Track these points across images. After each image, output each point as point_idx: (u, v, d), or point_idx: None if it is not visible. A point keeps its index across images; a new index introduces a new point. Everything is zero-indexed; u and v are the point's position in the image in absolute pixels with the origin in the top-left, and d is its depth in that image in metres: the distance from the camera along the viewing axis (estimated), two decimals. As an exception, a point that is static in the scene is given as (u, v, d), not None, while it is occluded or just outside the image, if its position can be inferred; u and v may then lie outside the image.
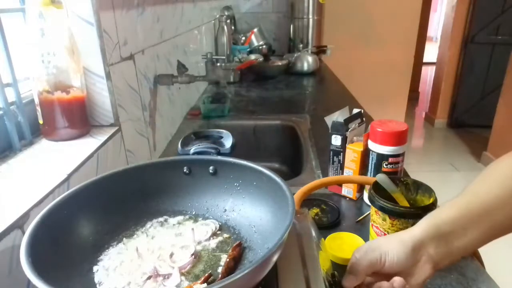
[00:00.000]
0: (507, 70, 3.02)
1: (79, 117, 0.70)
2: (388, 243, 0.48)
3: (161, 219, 0.54)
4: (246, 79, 1.96)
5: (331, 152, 0.82)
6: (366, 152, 0.76)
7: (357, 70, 3.05)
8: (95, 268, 0.45)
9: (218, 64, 1.44)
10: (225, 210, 0.56)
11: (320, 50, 2.31)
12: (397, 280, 0.45)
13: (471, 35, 3.75)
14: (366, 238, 0.65)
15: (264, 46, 2.32)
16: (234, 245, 0.48)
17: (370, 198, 0.60)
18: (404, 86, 3.24)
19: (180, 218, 0.55)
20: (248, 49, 2.23)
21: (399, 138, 0.71)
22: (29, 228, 0.40)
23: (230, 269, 0.44)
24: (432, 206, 0.57)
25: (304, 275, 0.43)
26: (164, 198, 0.56)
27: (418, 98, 5.20)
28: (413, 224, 0.57)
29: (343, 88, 1.85)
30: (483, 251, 0.66)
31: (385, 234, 0.59)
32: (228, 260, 0.45)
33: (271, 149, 1.34)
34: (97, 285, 0.43)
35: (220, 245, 0.50)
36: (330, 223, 0.73)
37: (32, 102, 0.67)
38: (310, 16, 2.38)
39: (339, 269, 0.58)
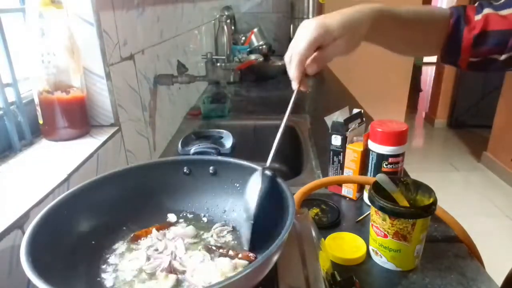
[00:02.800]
0: (507, 70, 3.01)
1: (79, 117, 0.70)
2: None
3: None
4: (246, 79, 1.96)
5: (331, 152, 0.82)
6: (366, 152, 0.76)
7: (357, 70, 3.05)
8: (95, 267, 0.45)
9: (218, 64, 1.44)
10: (225, 211, 0.56)
11: (320, 50, 2.31)
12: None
13: (471, 35, 3.75)
14: (366, 238, 0.65)
15: (264, 46, 2.32)
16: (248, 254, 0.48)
17: (370, 198, 0.60)
18: (404, 86, 3.24)
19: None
20: (248, 49, 2.22)
21: (399, 138, 0.71)
22: (29, 228, 0.40)
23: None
24: (432, 206, 0.57)
25: (304, 275, 0.43)
26: (164, 198, 0.56)
27: (418, 98, 5.20)
28: (413, 224, 0.57)
29: (343, 88, 1.85)
30: (483, 251, 0.66)
31: (385, 235, 0.59)
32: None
33: (271, 149, 1.34)
34: (98, 284, 0.43)
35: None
36: (330, 223, 0.73)
37: (32, 102, 0.67)
38: (310, 16, 2.38)
39: (339, 269, 0.58)
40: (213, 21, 1.97)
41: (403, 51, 0.71)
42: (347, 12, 0.56)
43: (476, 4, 0.65)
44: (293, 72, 0.54)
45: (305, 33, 0.53)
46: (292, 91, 0.55)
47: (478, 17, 0.62)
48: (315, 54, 0.54)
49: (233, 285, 0.33)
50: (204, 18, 1.74)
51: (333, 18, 0.54)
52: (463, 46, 0.63)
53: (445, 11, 0.65)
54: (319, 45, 0.54)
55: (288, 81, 0.57)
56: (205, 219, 0.55)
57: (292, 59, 0.54)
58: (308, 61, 0.54)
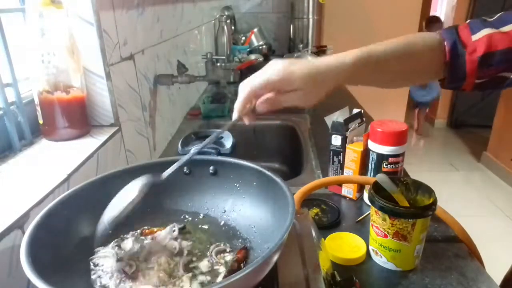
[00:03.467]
0: (507, 70, 3.01)
1: (79, 117, 0.70)
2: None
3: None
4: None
5: (331, 152, 0.82)
6: (366, 152, 0.76)
7: (357, 70, 3.05)
8: (94, 267, 0.45)
9: (218, 64, 1.44)
10: (225, 211, 0.56)
11: (320, 50, 2.31)
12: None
13: (471, 35, 3.75)
14: (366, 238, 0.65)
15: (264, 46, 2.32)
16: (240, 248, 0.48)
17: (370, 198, 0.60)
18: (404, 86, 3.24)
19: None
20: (248, 49, 2.22)
21: (399, 138, 0.71)
22: (29, 228, 0.40)
23: (234, 271, 0.44)
24: (432, 206, 0.57)
25: (304, 275, 0.43)
26: (164, 198, 0.56)
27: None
28: (413, 224, 0.57)
29: (343, 88, 1.84)
30: (483, 251, 0.66)
31: (385, 235, 0.59)
32: (232, 263, 0.45)
33: (271, 149, 1.34)
34: (98, 284, 0.43)
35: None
36: (330, 223, 0.73)
37: (32, 102, 0.67)
38: (310, 16, 2.38)
39: (339, 269, 0.58)
40: (213, 21, 1.97)
41: (399, 85, 0.67)
42: (319, 65, 0.53)
43: (468, 23, 0.60)
44: (237, 103, 0.53)
45: (268, 72, 0.52)
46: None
47: (476, 37, 0.58)
48: (269, 94, 0.53)
49: (233, 285, 0.33)
50: (204, 18, 1.74)
51: (301, 68, 0.52)
52: (467, 70, 0.59)
53: (434, 37, 0.60)
54: (277, 89, 0.53)
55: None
56: (204, 220, 0.55)
57: (242, 90, 0.53)
58: (262, 98, 0.53)
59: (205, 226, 0.54)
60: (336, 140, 0.81)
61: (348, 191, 0.82)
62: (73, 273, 0.43)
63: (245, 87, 0.53)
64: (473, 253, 0.64)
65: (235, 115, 0.53)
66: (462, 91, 0.64)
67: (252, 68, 1.86)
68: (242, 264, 0.45)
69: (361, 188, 0.82)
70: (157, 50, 1.05)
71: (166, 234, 0.50)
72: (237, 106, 0.53)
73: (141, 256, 0.46)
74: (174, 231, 0.51)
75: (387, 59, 0.58)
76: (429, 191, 0.60)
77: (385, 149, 0.71)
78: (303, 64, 0.53)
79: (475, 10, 3.65)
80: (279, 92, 0.53)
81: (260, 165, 0.53)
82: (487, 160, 3.30)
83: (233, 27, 2.31)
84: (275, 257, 0.39)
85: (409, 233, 0.58)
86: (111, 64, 0.74)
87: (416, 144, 3.98)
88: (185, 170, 0.57)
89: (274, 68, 0.52)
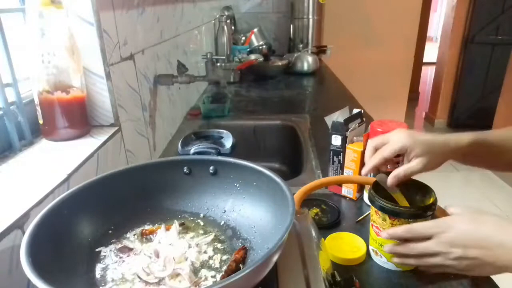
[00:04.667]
0: (507, 70, 3.02)
1: (79, 117, 0.70)
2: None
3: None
4: (246, 79, 1.96)
5: (331, 152, 0.82)
6: (366, 152, 0.76)
7: (357, 70, 3.05)
8: (95, 267, 0.45)
9: (218, 64, 1.44)
10: (225, 211, 0.56)
11: (320, 50, 2.32)
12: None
13: (471, 35, 3.75)
14: (366, 238, 0.65)
15: (264, 46, 2.32)
16: (238, 248, 0.48)
17: (370, 198, 0.60)
18: (404, 86, 3.24)
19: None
20: (248, 49, 2.23)
21: (399, 138, 0.71)
22: (29, 228, 0.40)
23: (232, 272, 0.44)
24: (432, 206, 0.57)
25: (304, 275, 0.43)
26: (164, 198, 0.56)
27: (418, 98, 5.20)
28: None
29: (343, 88, 1.85)
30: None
31: (385, 234, 0.59)
32: (230, 262, 0.45)
33: (271, 149, 1.34)
34: (98, 284, 0.43)
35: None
36: (330, 223, 0.73)
37: (32, 102, 0.67)
38: (310, 16, 2.38)
39: (339, 269, 0.58)
40: (213, 21, 1.97)
41: (508, 169, 0.70)
42: (437, 139, 0.60)
43: None
44: (366, 168, 0.62)
45: (395, 140, 0.60)
46: None
47: None
48: (398, 171, 0.59)
49: (233, 285, 0.33)
50: (204, 18, 1.74)
51: (422, 139, 0.59)
52: None
53: None
54: (402, 155, 0.62)
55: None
56: (203, 220, 0.55)
57: (373, 158, 0.62)
58: (392, 175, 0.60)
59: (205, 226, 0.54)
60: (336, 140, 0.81)
61: (348, 191, 0.82)
62: (73, 273, 0.43)
63: (377, 155, 0.61)
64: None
65: (364, 171, 0.63)
66: None
67: (252, 68, 1.87)
68: (240, 265, 0.45)
69: (361, 188, 0.82)
70: (157, 50, 1.05)
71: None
72: (365, 171, 0.63)
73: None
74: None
75: (501, 145, 0.63)
76: (429, 191, 0.60)
77: (385, 149, 0.71)
78: (424, 136, 0.60)
79: (475, 10, 3.65)
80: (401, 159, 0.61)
81: (260, 165, 0.53)
82: (487, 160, 3.29)
83: (233, 27, 2.31)
84: (275, 257, 0.39)
85: (409, 233, 0.58)
86: (111, 64, 0.74)
87: (416, 144, 3.98)
88: (185, 170, 0.57)
89: (400, 136, 0.60)
